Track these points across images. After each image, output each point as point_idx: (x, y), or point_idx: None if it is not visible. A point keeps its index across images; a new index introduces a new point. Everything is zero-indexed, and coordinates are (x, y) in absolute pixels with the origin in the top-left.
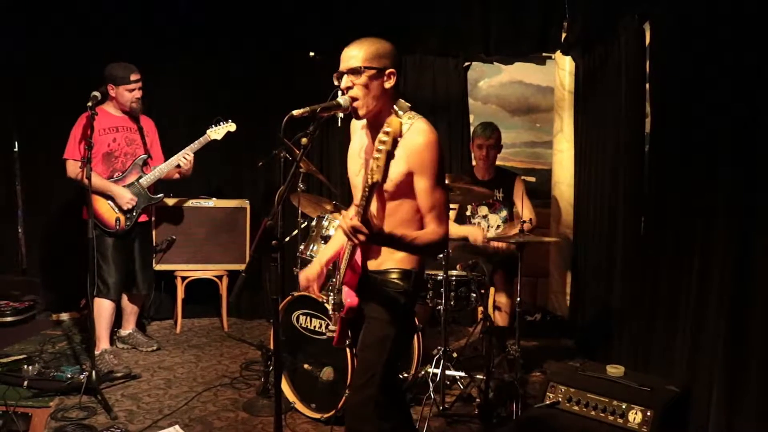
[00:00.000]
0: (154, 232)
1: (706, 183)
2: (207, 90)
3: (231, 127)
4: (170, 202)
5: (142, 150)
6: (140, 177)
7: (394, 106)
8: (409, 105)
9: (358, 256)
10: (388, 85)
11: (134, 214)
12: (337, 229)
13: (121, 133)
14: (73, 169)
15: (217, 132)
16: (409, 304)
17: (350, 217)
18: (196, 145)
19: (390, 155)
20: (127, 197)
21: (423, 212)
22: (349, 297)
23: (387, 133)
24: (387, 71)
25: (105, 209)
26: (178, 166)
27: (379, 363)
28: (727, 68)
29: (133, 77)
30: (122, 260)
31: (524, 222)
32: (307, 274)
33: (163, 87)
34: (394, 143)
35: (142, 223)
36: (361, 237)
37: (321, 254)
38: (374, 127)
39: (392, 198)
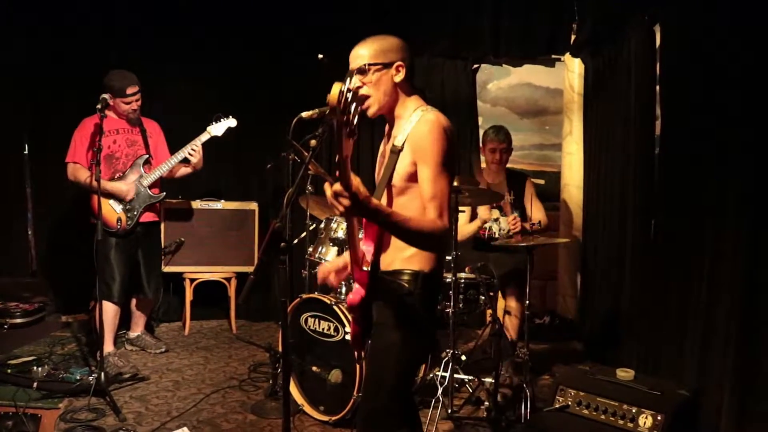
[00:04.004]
0: (162, 235)
1: (716, 185)
2: (215, 92)
3: (231, 122)
4: (179, 204)
5: (143, 150)
6: (141, 176)
7: (411, 98)
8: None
9: (365, 252)
10: (397, 78)
11: (135, 213)
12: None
13: (121, 135)
14: (73, 172)
15: (217, 128)
16: (418, 307)
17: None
18: (197, 141)
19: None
20: (123, 188)
21: (424, 202)
22: (353, 294)
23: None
24: (395, 65)
25: (106, 209)
26: (187, 161)
27: (387, 371)
28: (738, 70)
29: (130, 91)
30: (125, 262)
31: (533, 224)
32: (327, 266)
33: (171, 89)
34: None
35: (146, 224)
36: (344, 202)
37: (342, 257)
38: (392, 124)
39: (401, 193)
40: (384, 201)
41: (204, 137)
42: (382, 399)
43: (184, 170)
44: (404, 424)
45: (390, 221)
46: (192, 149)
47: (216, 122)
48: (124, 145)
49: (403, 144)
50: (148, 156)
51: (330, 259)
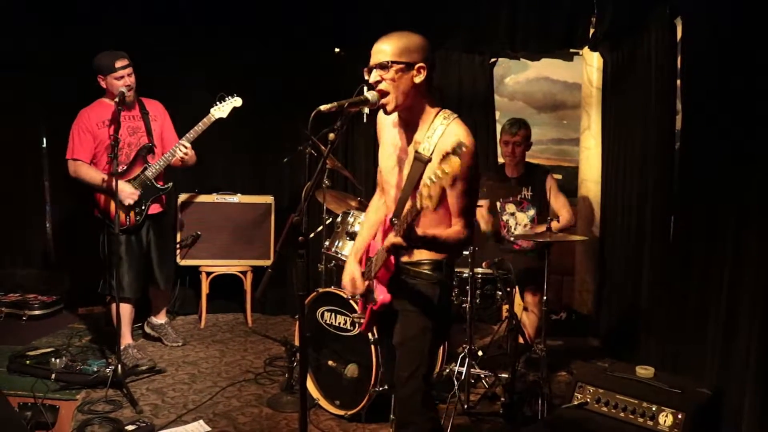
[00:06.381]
0: (178, 227)
1: (738, 182)
2: (232, 85)
3: (237, 102)
4: (195, 197)
5: (146, 139)
6: (145, 168)
7: (444, 111)
8: (440, 107)
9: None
10: (418, 79)
11: (143, 207)
12: (362, 225)
13: (123, 122)
14: (75, 169)
15: (221, 110)
16: (443, 294)
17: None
18: (201, 126)
19: (444, 191)
20: (126, 191)
21: (453, 214)
22: (382, 293)
23: (446, 173)
24: (417, 66)
25: (114, 206)
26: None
27: (422, 354)
28: (760, 64)
29: (119, 64)
30: (135, 258)
31: (551, 220)
32: (354, 278)
33: (188, 83)
34: (451, 180)
35: (154, 216)
36: (402, 251)
37: (352, 255)
38: (407, 123)
39: None
40: (408, 205)
41: (207, 121)
42: (420, 379)
43: (178, 161)
44: (433, 404)
45: (435, 243)
46: (181, 147)
47: (219, 102)
48: (125, 133)
49: (431, 155)
50: (151, 145)
51: (346, 253)
